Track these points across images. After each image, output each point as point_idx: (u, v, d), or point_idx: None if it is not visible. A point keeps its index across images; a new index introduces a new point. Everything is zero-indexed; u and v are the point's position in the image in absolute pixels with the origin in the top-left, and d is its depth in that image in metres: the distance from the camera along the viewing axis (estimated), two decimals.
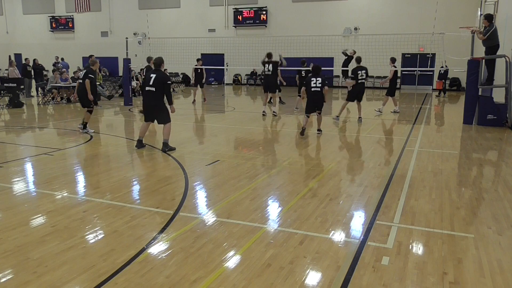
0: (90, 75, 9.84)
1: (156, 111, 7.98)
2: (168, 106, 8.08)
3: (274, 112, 13.51)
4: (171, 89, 8.35)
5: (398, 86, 15.35)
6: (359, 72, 11.77)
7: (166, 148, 7.95)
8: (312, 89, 9.52)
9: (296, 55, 25.55)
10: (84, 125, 10.04)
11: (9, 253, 3.71)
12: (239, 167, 6.88)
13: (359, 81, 11.78)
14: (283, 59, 14.25)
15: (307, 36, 24.26)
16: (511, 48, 11.74)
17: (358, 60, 12.00)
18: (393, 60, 13.95)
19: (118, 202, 5.09)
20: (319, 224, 4.43)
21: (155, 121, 8.15)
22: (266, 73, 13.14)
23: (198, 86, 17.61)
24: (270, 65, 12.91)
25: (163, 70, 8.19)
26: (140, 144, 8.25)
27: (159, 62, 8.11)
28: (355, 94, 12.02)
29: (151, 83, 7.77)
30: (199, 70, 17.29)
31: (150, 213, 4.76)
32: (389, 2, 25.89)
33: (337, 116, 12.17)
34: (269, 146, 8.95)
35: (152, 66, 8.24)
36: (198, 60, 17.55)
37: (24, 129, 11.14)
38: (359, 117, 11.90)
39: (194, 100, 17.58)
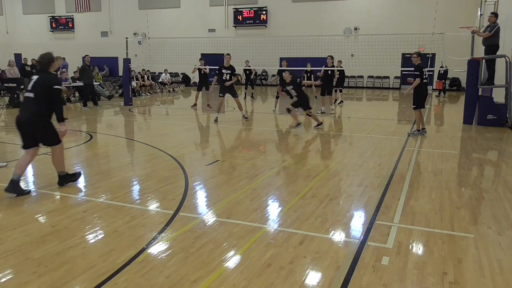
0: None
1: (36, 128, 5.40)
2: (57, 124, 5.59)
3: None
4: (65, 98, 5.77)
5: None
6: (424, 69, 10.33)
7: (65, 181, 5.73)
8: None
9: (296, 55, 25.57)
10: None
11: (9, 253, 3.71)
12: (239, 167, 6.88)
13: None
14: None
15: (307, 36, 24.26)
16: (511, 48, 11.74)
17: None
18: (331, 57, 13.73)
19: (118, 202, 5.09)
20: (319, 224, 4.43)
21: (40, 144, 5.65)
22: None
23: (204, 88, 15.87)
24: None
25: (54, 71, 5.86)
26: (13, 187, 5.26)
27: (47, 60, 5.54)
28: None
29: (29, 87, 5.40)
30: (202, 71, 15.80)
31: (150, 213, 4.76)
32: (389, 2, 25.91)
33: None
34: (269, 146, 8.95)
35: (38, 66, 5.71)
36: (200, 59, 16.38)
37: None
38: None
39: (195, 104, 15.85)
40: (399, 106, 17.42)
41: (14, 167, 5.52)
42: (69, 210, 4.81)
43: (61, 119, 5.50)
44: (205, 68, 15.54)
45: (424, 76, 9.69)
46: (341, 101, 17.05)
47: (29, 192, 5.44)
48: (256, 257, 3.67)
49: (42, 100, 5.33)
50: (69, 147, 8.53)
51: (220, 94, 12.04)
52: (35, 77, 5.47)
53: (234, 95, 11.97)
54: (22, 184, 5.50)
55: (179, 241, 3.99)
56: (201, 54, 28.64)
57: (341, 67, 16.02)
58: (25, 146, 5.50)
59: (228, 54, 12.35)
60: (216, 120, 11.77)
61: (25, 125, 5.39)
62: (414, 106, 9.83)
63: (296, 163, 7.18)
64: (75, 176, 5.90)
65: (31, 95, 5.35)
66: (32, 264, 3.51)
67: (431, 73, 24.93)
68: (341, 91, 16.93)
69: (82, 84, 15.61)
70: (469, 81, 11.72)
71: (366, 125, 11.50)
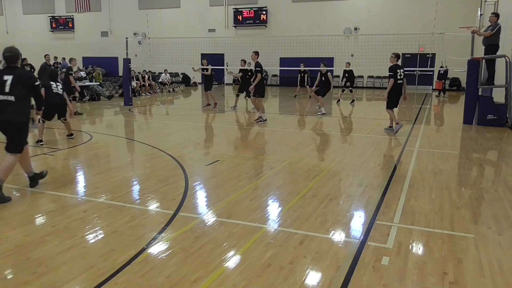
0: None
1: (13, 129, 5.18)
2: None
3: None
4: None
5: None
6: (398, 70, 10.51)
7: None
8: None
9: (296, 55, 25.58)
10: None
11: (9, 253, 3.71)
12: (239, 167, 6.88)
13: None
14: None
15: (307, 36, 24.28)
16: (511, 48, 11.74)
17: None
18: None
19: (118, 202, 5.09)
20: (319, 224, 4.43)
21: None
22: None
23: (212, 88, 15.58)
24: None
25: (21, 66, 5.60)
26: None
27: (14, 55, 5.21)
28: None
29: (7, 89, 5.06)
30: (205, 70, 15.36)
31: (150, 213, 4.76)
32: (389, 2, 25.90)
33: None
34: (269, 146, 8.95)
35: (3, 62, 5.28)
36: (204, 59, 15.82)
37: None
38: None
39: (216, 103, 15.37)
40: (399, 106, 17.42)
41: None
42: (69, 210, 4.81)
43: (40, 108, 5.75)
44: (207, 70, 15.27)
45: (399, 76, 9.89)
46: (353, 100, 17.64)
47: (9, 199, 5.10)
48: (256, 257, 3.67)
49: (23, 99, 5.16)
50: (69, 147, 8.54)
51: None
52: (8, 77, 5.09)
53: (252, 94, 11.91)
54: (23, 183, 5.50)
55: (179, 241, 3.99)
56: (201, 54, 28.65)
57: (349, 68, 16.71)
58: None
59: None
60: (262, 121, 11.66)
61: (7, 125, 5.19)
62: (386, 106, 10.18)
63: (296, 163, 7.18)
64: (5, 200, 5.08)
65: (10, 98, 5.06)
66: (32, 264, 3.51)
67: (431, 73, 25.02)
68: (351, 91, 17.53)
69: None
70: (469, 81, 11.72)
71: (366, 125, 11.51)
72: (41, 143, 8.36)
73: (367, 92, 24.92)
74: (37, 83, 5.32)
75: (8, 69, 5.17)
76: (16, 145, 5.20)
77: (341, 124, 11.91)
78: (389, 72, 9.90)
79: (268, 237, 4.09)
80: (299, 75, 19.37)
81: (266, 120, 11.72)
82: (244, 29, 29.05)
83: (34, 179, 5.65)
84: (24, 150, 5.32)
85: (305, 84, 18.98)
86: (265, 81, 19.21)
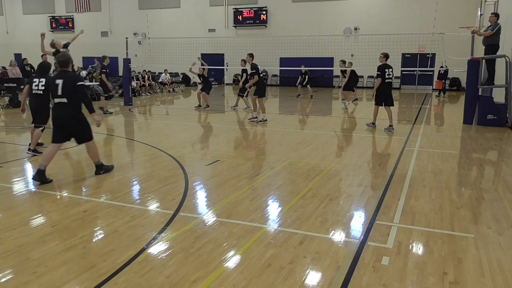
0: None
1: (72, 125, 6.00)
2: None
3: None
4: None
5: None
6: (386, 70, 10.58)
7: (101, 170, 6.34)
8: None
9: (296, 55, 25.59)
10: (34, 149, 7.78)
11: (9, 253, 3.71)
12: (239, 167, 6.88)
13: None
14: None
15: (307, 36, 24.28)
16: (511, 48, 11.74)
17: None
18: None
19: (118, 202, 5.09)
20: (319, 224, 4.43)
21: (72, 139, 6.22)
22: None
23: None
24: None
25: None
26: (40, 176, 5.76)
27: (65, 60, 5.96)
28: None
29: (59, 92, 5.80)
30: (201, 78, 15.27)
31: (150, 213, 4.76)
32: (389, 2, 25.89)
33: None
34: (269, 146, 8.95)
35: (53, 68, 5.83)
36: (199, 58, 15.75)
37: (24, 129, 11.14)
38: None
39: (208, 106, 15.18)
40: (399, 106, 17.42)
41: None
42: (69, 210, 4.80)
43: (92, 110, 6.03)
44: (203, 69, 15.24)
45: (387, 76, 10.23)
46: (356, 99, 18.01)
47: (51, 181, 5.86)
48: (256, 257, 3.67)
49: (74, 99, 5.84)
50: (69, 147, 8.53)
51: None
52: (59, 81, 5.80)
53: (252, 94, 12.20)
54: (23, 183, 5.50)
55: (179, 241, 3.99)
56: (201, 54, 28.61)
57: (346, 67, 17.12)
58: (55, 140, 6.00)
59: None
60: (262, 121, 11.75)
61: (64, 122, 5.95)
62: (374, 102, 10.68)
63: (296, 163, 7.18)
64: (109, 169, 6.41)
65: (64, 100, 5.81)
66: (32, 264, 3.51)
67: (431, 73, 25.02)
68: (353, 90, 17.71)
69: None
70: (469, 81, 11.72)
71: (367, 125, 11.49)
72: (41, 145, 8.08)
73: (367, 92, 24.92)
74: (79, 83, 5.92)
75: (60, 74, 5.93)
76: (85, 136, 6.12)
77: (341, 124, 11.90)
78: (377, 71, 10.30)
79: (268, 237, 4.09)
80: (300, 76, 19.54)
81: (266, 120, 11.72)
82: (244, 29, 29.05)
83: (100, 167, 6.38)
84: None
85: (306, 85, 19.10)
86: (265, 81, 19.19)
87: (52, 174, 6.38)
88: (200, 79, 15.57)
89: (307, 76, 19.10)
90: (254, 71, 11.60)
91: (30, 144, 7.71)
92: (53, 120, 6.02)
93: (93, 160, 6.31)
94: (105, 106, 13.61)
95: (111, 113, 13.97)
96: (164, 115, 14.59)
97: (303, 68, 18.86)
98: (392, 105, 10.54)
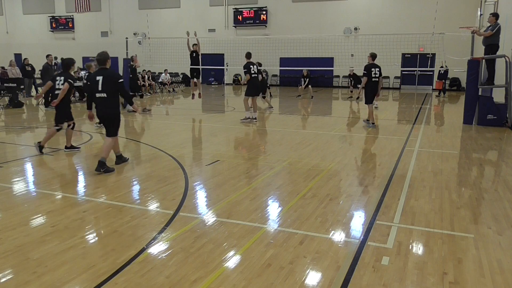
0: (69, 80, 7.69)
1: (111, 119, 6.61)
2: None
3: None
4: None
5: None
6: (373, 69, 10.86)
7: (102, 168, 6.36)
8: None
9: (296, 55, 25.60)
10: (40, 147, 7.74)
11: (9, 253, 3.71)
12: (239, 167, 6.88)
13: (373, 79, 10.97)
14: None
15: (307, 36, 24.26)
16: (511, 48, 11.74)
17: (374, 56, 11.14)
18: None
19: (118, 202, 5.09)
20: (319, 224, 4.43)
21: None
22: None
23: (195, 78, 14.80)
24: (255, 66, 12.05)
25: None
26: (102, 166, 6.37)
27: (103, 57, 6.46)
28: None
29: (99, 87, 6.33)
30: (194, 54, 14.69)
31: (150, 213, 4.76)
32: (389, 2, 25.89)
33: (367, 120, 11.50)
34: (269, 146, 8.95)
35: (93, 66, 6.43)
36: (194, 45, 14.95)
37: (24, 129, 11.14)
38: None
39: (193, 95, 15.16)
40: (399, 106, 17.43)
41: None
42: (69, 210, 4.80)
43: (131, 102, 6.79)
44: (196, 45, 14.69)
45: (374, 75, 10.63)
46: (358, 97, 18.22)
47: (113, 170, 6.46)
48: (256, 257, 3.67)
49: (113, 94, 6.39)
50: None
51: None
52: (100, 77, 6.29)
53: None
54: (23, 183, 5.50)
55: (179, 241, 3.99)
56: (201, 54, 28.56)
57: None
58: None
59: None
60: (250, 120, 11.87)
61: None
62: (365, 102, 11.08)
63: (296, 163, 7.18)
64: (109, 168, 6.52)
65: (103, 95, 6.34)
66: (32, 264, 3.51)
67: (431, 73, 25.01)
68: (357, 87, 18.23)
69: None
70: (469, 81, 11.72)
71: (366, 125, 11.48)
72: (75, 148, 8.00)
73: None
74: (120, 80, 6.41)
75: (100, 71, 6.42)
76: (112, 131, 6.60)
77: (341, 124, 11.90)
78: (364, 70, 10.73)
79: (268, 237, 4.09)
80: (302, 79, 19.79)
81: (255, 119, 11.86)
82: (244, 29, 29.04)
83: (120, 158, 6.97)
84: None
85: (307, 85, 19.38)
86: (265, 80, 19.14)
87: (52, 174, 6.39)
88: (193, 55, 14.82)
89: (308, 80, 19.36)
90: (246, 70, 11.76)
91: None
92: (97, 114, 6.71)
93: (102, 154, 6.55)
94: (143, 105, 13.70)
95: (149, 110, 14.47)
96: (164, 115, 14.59)
97: (305, 73, 19.28)
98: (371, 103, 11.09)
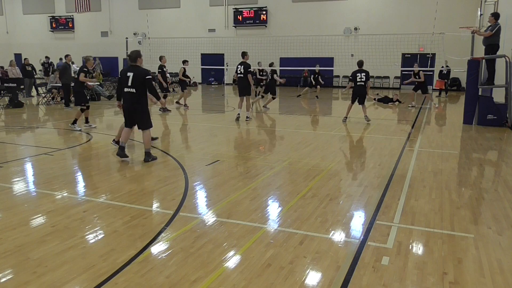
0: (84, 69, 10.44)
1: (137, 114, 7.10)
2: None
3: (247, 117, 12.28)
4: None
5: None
6: (358, 74, 11.80)
7: (149, 158, 7.15)
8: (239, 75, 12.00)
9: (296, 55, 25.59)
10: (74, 121, 10.30)
11: (9, 253, 3.71)
12: (239, 167, 6.88)
13: (358, 84, 11.85)
14: None
15: (307, 36, 24.26)
16: (511, 48, 11.74)
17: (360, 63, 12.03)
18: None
19: (118, 202, 5.09)
20: (319, 224, 4.43)
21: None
22: (238, 75, 12.07)
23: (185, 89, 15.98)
24: (242, 66, 11.87)
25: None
26: (122, 152, 7.19)
27: (135, 55, 6.96)
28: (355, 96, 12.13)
29: (129, 83, 6.84)
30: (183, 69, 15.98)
31: (150, 213, 4.77)
32: (389, 2, 25.88)
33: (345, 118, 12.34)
34: (269, 146, 8.95)
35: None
36: (184, 61, 16.41)
37: (24, 129, 11.14)
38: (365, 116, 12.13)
39: (186, 104, 15.81)
40: (399, 107, 17.42)
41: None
42: (69, 210, 4.81)
43: (158, 97, 7.27)
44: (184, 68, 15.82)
45: (359, 79, 11.71)
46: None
47: (156, 158, 7.15)
48: (256, 257, 3.67)
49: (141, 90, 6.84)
50: (70, 147, 8.54)
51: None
52: (130, 74, 6.76)
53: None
54: (23, 183, 5.49)
55: (179, 241, 3.99)
56: (201, 54, 28.65)
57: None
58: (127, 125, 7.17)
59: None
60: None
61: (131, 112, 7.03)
62: (351, 102, 12.20)
63: (296, 163, 7.18)
64: (154, 157, 7.14)
65: (132, 90, 6.79)
66: (32, 264, 3.51)
67: (431, 73, 24.98)
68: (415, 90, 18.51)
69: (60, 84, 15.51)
70: (469, 81, 11.71)
71: (366, 125, 11.50)
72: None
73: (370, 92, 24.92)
74: (148, 77, 6.82)
75: (131, 67, 6.87)
76: (144, 124, 7.08)
77: (341, 124, 11.89)
78: (350, 76, 12.11)
79: (268, 237, 4.09)
80: (312, 75, 19.67)
81: (247, 118, 12.02)
82: (244, 29, 29.04)
83: (121, 149, 7.20)
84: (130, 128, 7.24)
85: (318, 84, 19.20)
86: (267, 80, 19.13)
87: (52, 173, 6.38)
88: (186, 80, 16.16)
89: (319, 76, 19.30)
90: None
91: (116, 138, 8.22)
92: (123, 107, 7.08)
93: (145, 147, 7.14)
94: (163, 104, 13.61)
95: (170, 110, 14.66)
96: (164, 115, 14.57)
97: (317, 68, 19.23)
98: (363, 103, 11.97)
